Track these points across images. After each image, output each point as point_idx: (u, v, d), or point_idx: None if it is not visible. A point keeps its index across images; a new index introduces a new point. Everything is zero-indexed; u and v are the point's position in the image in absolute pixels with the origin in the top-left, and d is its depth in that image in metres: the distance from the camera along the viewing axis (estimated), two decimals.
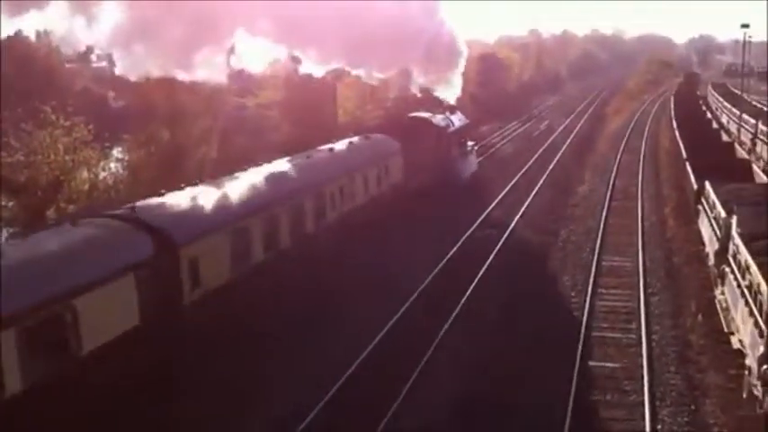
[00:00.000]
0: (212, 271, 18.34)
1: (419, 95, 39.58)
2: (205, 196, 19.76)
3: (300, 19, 24.27)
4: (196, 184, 21.21)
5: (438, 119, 38.22)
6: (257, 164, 24.81)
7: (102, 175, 32.82)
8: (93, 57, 65.29)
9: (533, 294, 23.80)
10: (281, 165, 25.27)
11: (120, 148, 38.52)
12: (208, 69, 22.14)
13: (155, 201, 19.16)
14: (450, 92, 39.34)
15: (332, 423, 15.94)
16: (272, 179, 22.97)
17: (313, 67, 29.32)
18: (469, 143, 42.56)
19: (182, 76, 22.31)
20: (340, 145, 30.61)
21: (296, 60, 30.43)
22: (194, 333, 17.26)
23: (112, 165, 36.37)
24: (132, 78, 22.40)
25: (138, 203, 18.53)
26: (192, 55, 21.24)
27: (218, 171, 26.13)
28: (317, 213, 24.87)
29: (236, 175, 22.97)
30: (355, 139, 32.59)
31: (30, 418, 12.78)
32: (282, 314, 20.26)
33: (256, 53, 24.33)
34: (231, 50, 23.43)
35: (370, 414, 15.98)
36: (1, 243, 21.33)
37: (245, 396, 16.86)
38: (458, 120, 40.79)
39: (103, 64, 61.56)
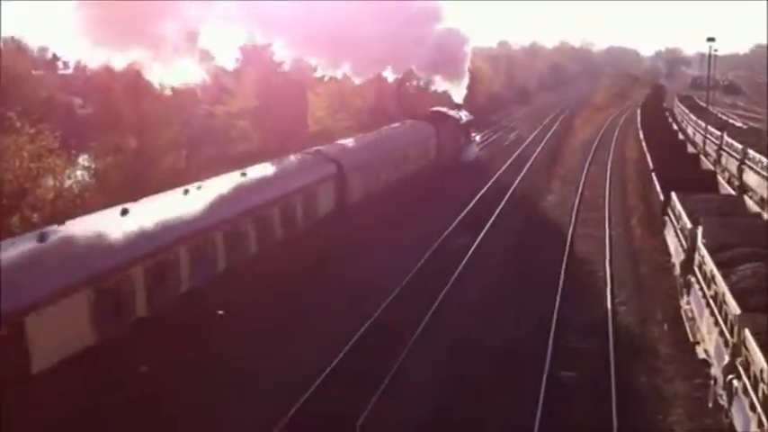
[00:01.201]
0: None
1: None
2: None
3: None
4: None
5: (453, 113, 49.45)
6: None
7: (68, 183, 32.42)
8: (60, 64, 64.75)
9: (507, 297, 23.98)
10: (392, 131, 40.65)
11: (86, 156, 38.08)
12: (173, 52, 21.92)
13: None
14: (458, 92, 50.15)
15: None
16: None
17: (284, 54, 30.36)
18: (472, 134, 53.88)
19: (141, 57, 21.96)
20: (405, 124, 44.18)
21: (267, 49, 31.03)
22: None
23: (78, 173, 35.94)
24: (93, 65, 22.09)
25: None
26: (150, 27, 21.03)
27: (186, 180, 25.84)
28: (401, 164, 37.58)
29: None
30: (410, 122, 45.22)
31: None
32: None
33: (224, 39, 24.38)
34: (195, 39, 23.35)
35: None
36: None
37: None
38: (465, 115, 51.52)
39: (70, 71, 60.96)
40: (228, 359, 18.63)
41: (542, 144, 65.43)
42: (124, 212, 18.60)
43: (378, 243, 29.89)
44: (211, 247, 20.26)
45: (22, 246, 15.74)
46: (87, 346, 15.65)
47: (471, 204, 38.36)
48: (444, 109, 49.13)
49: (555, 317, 22.40)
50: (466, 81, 50.74)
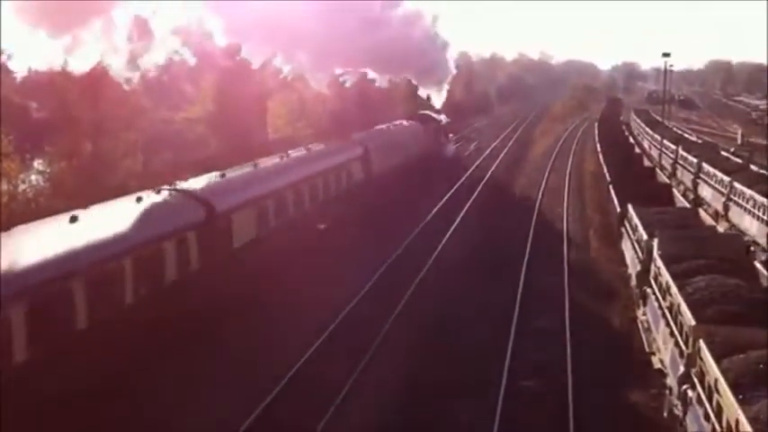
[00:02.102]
0: None
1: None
2: None
3: None
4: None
5: (435, 116, 57.68)
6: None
7: (22, 187, 31.85)
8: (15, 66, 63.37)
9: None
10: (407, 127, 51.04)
11: (41, 160, 37.43)
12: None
13: None
14: (438, 98, 58.02)
15: None
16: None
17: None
18: (450, 135, 62.39)
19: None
20: (403, 123, 52.97)
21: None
22: None
23: (33, 177, 35.32)
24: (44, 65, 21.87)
25: None
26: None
27: (143, 185, 25.52)
28: (403, 152, 46.06)
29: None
30: (405, 121, 53.90)
31: None
32: None
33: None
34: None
35: None
36: None
37: None
38: (444, 118, 59.74)
39: (25, 73, 59.78)
40: None
41: (502, 155, 65.93)
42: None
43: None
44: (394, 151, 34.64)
45: None
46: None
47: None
48: (428, 112, 58.07)
49: (514, 324, 22.53)
50: (446, 88, 58.88)
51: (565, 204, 43.07)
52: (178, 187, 22.62)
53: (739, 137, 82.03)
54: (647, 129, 73.12)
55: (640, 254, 22.58)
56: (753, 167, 40.44)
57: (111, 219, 18.64)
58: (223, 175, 24.99)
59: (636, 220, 24.98)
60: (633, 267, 23.77)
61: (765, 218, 28.13)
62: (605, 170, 44.97)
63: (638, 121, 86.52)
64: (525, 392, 18.50)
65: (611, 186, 37.46)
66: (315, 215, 29.60)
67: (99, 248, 17.03)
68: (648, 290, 19.92)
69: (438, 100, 58.89)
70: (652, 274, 19.88)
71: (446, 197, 43.80)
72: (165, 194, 21.70)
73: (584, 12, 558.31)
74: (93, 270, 16.41)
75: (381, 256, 29.32)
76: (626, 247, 26.71)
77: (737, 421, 10.96)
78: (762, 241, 28.24)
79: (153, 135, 41.21)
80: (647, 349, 19.37)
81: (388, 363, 19.97)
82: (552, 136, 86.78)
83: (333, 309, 23.20)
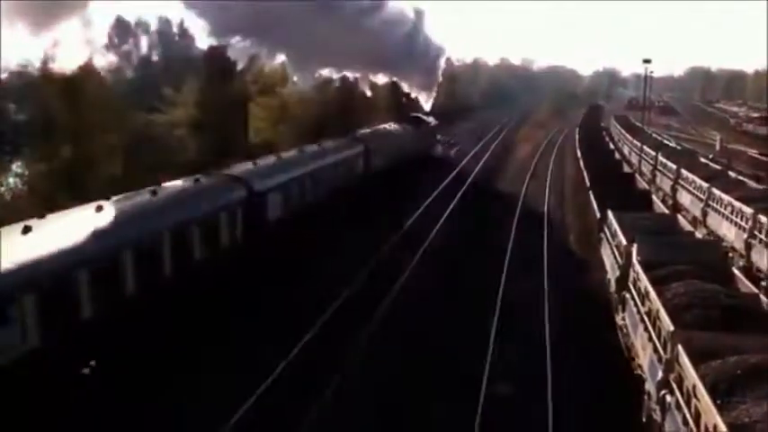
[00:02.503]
0: None
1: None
2: None
3: None
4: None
5: (425, 118, 62.27)
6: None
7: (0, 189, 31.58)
8: None
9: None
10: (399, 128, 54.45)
11: (19, 163, 37.13)
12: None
13: None
14: (428, 102, 63.13)
15: None
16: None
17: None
18: (438, 137, 68.83)
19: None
20: (397, 124, 56.07)
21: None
22: None
23: (11, 179, 35.05)
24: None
25: None
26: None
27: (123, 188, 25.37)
28: (397, 150, 49.91)
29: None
30: (399, 123, 56.64)
31: None
32: None
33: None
34: None
35: None
36: None
37: None
38: (433, 120, 65.14)
39: (4, 76, 59.31)
40: None
41: (484, 159, 66.15)
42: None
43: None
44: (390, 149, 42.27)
45: None
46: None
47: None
48: (419, 115, 62.27)
49: (494, 327, 22.54)
50: (435, 92, 64.20)
51: (545, 210, 43.23)
52: (226, 172, 27.25)
53: (718, 143, 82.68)
54: (628, 135, 73.53)
55: (619, 259, 22.69)
56: (731, 174, 40.78)
57: (185, 193, 23.53)
58: (255, 164, 29.48)
59: (615, 226, 25.10)
60: (612, 272, 23.87)
61: (743, 224, 28.34)
62: (585, 176, 45.17)
63: (619, 127, 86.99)
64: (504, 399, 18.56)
65: (590, 192, 37.64)
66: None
67: (180, 214, 21.87)
68: (627, 295, 20.00)
69: (427, 104, 63.66)
70: (631, 279, 19.98)
71: (436, 192, 48.14)
72: (217, 177, 26.22)
73: (565, 18, 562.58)
74: (176, 230, 21.05)
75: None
76: (605, 252, 26.83)
77: (715, 426, 11.03)
78: (739, 247, 28.46)
79: (133, 137, 41.00)
80: (626, 354, 19.45)
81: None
82: (533, 141, 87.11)
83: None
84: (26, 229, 16.27)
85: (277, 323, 23.22)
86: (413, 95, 63.66)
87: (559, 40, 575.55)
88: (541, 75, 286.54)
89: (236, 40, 36.62)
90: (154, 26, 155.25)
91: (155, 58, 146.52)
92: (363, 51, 43.75)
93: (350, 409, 17.84)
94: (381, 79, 56.18)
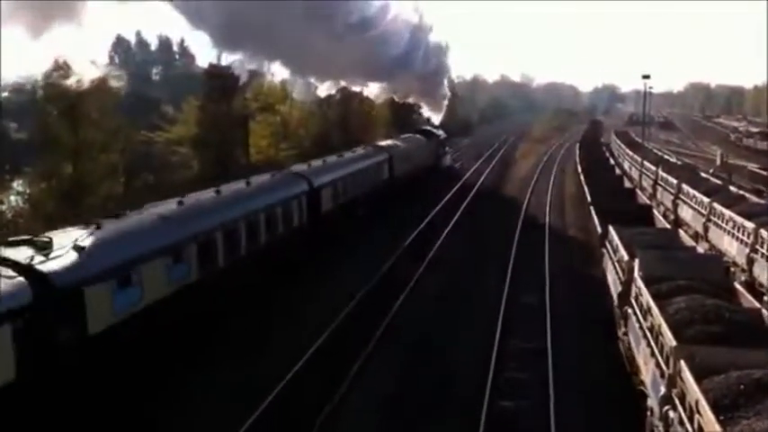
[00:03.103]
0: None
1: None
2: None
3: None
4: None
5: (435, 131, 67.38)
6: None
7: (1, 208, 31.62)
8: None
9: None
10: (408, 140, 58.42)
11: (20, 182, 37.24)
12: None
13: None
14: (436, 115, 71.98)
15: None
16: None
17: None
18: (447, 148, 71.91)
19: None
20: (411, 136, 61.31)
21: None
22: None
23: (12, 198, 35.12)
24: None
25: None
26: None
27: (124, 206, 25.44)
28: (414, 159, 55.83)
29: None
30: (413, 135, 62.39)
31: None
32: None
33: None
34: None
35: None
36: None
37: None
38: (442, 133, 69.29)
39: (5, 94, 59.58)
40: None
41: (484, 175, 66.29)
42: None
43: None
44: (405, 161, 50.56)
45: None
46: None
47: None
48: (430, 128, 68.17)
49: (496, 342, 22.51)
50: (444, 107, 73.24)
51: (546, 222, 43.24)
52: (292, 170, 34.78)
53: (718, 158, 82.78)
54: (628, 150, 73.62)
55: (621, 274, 22.64)
56: (732, 189, 40.78)
57: (269, 184, 30.78)
58: (309, 165, 36.27)
59: (617, 241, 25.06)
60: (614, 288, 23.81)
61: (745, 239, 28.31)
62: (586, 191, 45.20)
63: (619, 142, 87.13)
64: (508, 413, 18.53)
65: (591, 207, 37.64)
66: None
67: (272, 197, 29.14)
68: (629, 310, 19.95)
69: (436, 118, 72.59)
70: (633, 294, 19.92)
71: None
72: (286, 173, 33.61)
73: (565, 34, 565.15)
74: (268, 210, 27.95)
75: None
76: (607, 267, 26.78)
77: None
78: (741, 262, 28.41)
79: (134, 156, 41.11)
80: (629, 369, 19.37)
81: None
82: (533, 158, 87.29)
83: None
84: (180, 203, 23.62)
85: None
86: (423, 111, 73.37)
87: (559, 56, 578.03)
88: (541, 91, 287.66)
89: (236, 54, 38.03)
90: (154, 45, 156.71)
91: (155, 77, 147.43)
92: (360, 62, 45.92)
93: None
94: (378, 91, 61.25)
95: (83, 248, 17.20)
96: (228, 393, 19.21)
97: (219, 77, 49.34)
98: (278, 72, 46.66)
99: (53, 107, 36.85)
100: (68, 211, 31.56)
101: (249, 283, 25.53)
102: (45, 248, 16.64)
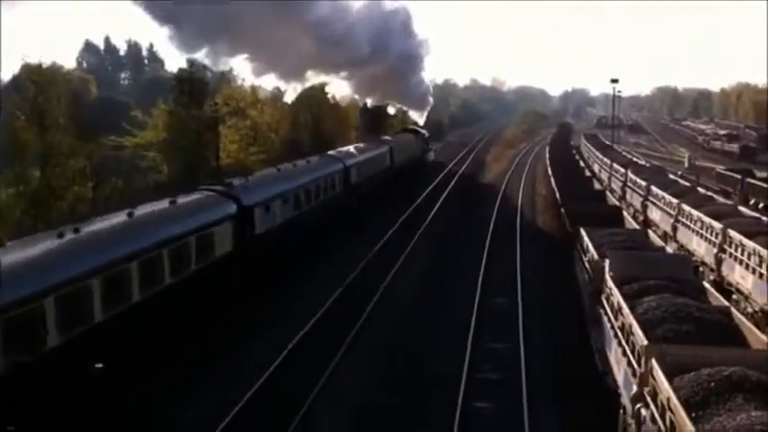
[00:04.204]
0: None
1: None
2: None
3: None
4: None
5: (420, 130, 77.39)
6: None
7: None
8: None
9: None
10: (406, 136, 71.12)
11: None
12: None
13: None
14: (421, 118, 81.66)
15: None
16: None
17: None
18: (430, 146, 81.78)
19: None
20: (402, 134, 72.01)
21: None
22: None
23: None
24: None
25: None
26: None
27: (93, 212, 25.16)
28: (407, 152, 65.72)
29: None
30: (403, 133, 72.85)
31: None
32: None
33: None
34: None
35: None
36: None
37: None
38: (425, 132, 79.23)
39: None
40: None
41: (456, 178, 66.50)
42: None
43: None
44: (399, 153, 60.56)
45: None
46: None
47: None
48: (416, 127, 77.80)
49: (468, 348, 22.53)
50: (428, 109, 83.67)
51: (518, 224, 43.44)
52: (328, 153, 45.90)
53: (686, 160, 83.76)
54: (598, 153, 74.23)
55: (592, 275, 22.77)
56: (700, 190, 41.24)
57: (310, 165, 39.35)
58: (338, 151, 48.26)
59: (587, 242, 25.22)
60: (585, 288, 23.95)
61: (713, 239, 28.63)
62: (557, 193, 45.48)
63: (589, 145, 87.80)
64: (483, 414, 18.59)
65: (562, 209, 37.87)
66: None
67: (308, 176, 36.81)
68: (601, 310, 20.06)
69: (420, 119, 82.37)
70: (604, 294, 20.04)
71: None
72: (325, 158, 43.54)
73: (534, 39, 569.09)
74: (304, 187, 35.08)
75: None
76: (578, 268, 26.93)
77: None
78: (709, 261, 28.73)
79: (102, 161, 40.67)
80: (601, 369, 19.47)
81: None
82: (504, 161, 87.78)
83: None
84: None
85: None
86: (410, 113, 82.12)
87: (529, 61, 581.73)
88: (511, 95, 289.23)
89: (202, 49, 38.47)
90: (123, 50, 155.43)
91: (124, 81, 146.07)
92: (329, 51, 48.06)
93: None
94: (349, 90, 64.13)
95: (250, 185, 29.82)
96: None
97: (189, 82, 48.96)
98: (242, 71, 48.21)
99: (20, 112, 36.46)
100: (37, 216, 31.17)
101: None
102: (236, 189, 28.45)
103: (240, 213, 26.69)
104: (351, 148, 50.58)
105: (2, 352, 14.63)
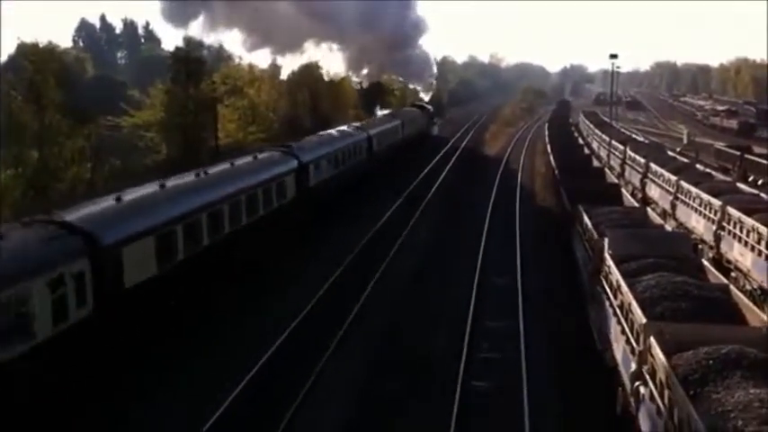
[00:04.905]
0: None
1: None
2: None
3: None
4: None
5: (425, 105, 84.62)
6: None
7: None
8: None
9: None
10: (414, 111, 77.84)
11: None
12: None
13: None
14: (426, 95, 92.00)
15: None
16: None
17: None
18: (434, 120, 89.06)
19: None
20: (411, 109, 78.36)
21: None
22: None
23: None
24: None
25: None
26: None
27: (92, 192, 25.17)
28: (415, 125, 71.66)
29: None
30: (411, 108, 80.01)
31: None
32: None
33: None
34: None
35: None
36: None
37: None
38: (431, 108, 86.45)
39: None
40: None
41: (454, 158, 66.25)
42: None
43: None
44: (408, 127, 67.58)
45: None
46: None
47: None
48: (422, 103, 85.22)
49: (469, 322, 22.66)
50: (434, 85, 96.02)
51: (517, 201, 43.44)
52: (355, 125, 53.48)
53: (685, 137, 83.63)
54: (596, 130, 74.03)
55: (591, 253, 22.83)
56: (699, 167, 41.23)
57: (344, 133, 46.97)
58: (361, 123, 56.53)
59: (586, 220, 25.26)
60: (584, 266, 24.01)
61: (712, 216, 28.67)
62: (556, 171, 45.47)
63: (587, 122, 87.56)
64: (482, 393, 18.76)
65: (561, 187, 37.88)
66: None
67: (341, 143, 43.25)
68: (599, 289, 20.13)
69: (426, 97, 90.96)
70: (603, 273, 20.10)
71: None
72: (353, 128, 50.03)
73: (532, 15, 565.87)
74: (329, 155, 39.53)
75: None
76: (577, 246, 26.98)
77: (689, 416, 11.12)
78: (708, 239, 28.78)
79: (100, 141, 40.59)
80: (599, 347, 19.56)
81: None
82: (503, 139, 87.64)
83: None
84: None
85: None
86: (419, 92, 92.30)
87: (527, 37, 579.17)
88: (510, 72, 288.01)
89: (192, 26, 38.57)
90: (119, 29, 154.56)
91: (120, 60, 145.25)
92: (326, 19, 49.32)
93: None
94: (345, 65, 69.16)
95: (304, 147, 36.83)
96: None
97: (186, 61, 48.79)
98: (237, 50, 48.27)
99: (17, 92, 36.36)
100: (36, 197, 31.17)
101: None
102: (295, 149, 34.85)
103: (300, 168, 33.48)
104: (372, 121, 61.42)
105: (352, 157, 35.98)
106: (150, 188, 22.69)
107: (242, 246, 25.93)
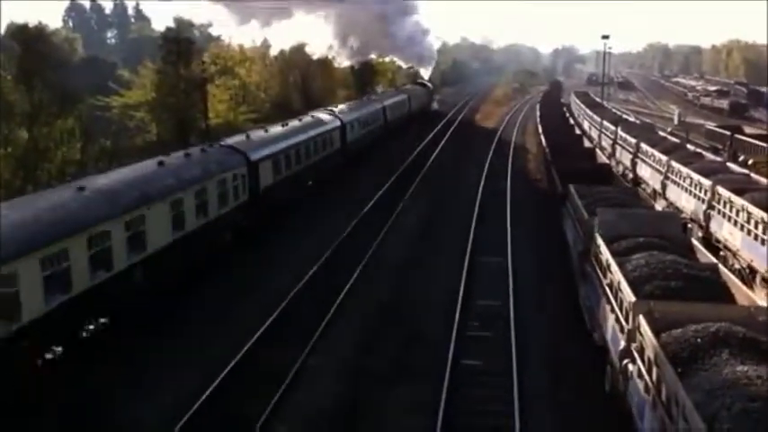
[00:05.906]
0: None
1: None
2: None
3: None
4: None
5: (426, 83, 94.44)
6: None
7: None
8: None
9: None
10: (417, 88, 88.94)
11: None
12: None
13: None
14: (426, 72, 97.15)
15: None
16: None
17: None
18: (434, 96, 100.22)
19: None
20: (414, 87, 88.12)
21: None
22: None
23: None
24: None
25: None
26: None
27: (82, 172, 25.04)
28: (419, 101, 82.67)
29: None
30: (414, 85, 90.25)
31: None
32: None
33: None
34: None
35: None
36: None
37: None
38: (431, 85, 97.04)
39: None
40: None
41: (445, 138, 66.20)
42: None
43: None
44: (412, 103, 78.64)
45: None
46: None
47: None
48: (424, 81, 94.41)
49: (459, 305, 22.77)
50: (433, 63, 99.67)
51: (508, 183, 43.45)
52: (370, 96, 67.41)
53: (676, 117, 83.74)
54: (588, 110, 73.95)
55: (581, 233, 22.91)
56: (689, 147, 41.30)
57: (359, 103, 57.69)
58: (371, 95, 68.45)
59: (577, 200, 25.32)
60: (575, 246, 24.09)
61: (702, 196, 28.78)
62: (547, 151, 45.45)
63: (579, 102, 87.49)
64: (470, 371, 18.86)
65: (552, 167, 37.90)
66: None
67: (359, 112, 52.09)
68: (589, 268, 20.22)
69: (426, 74, 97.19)
70: (593, 252, 20.19)
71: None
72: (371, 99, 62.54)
73: None
74: (359, 119, 50.38)
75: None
76: (567, 225, 27.07)
77: (676, 394, 11.22)
78: (698, 218, 28.90)
79: (90, 121, 40.40)
80: (589, 326, 19.68)
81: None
82: (495, 119, 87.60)
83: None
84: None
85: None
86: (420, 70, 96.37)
87: (518, 18, 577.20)
88: (502, 53, 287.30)
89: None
90: (109, 9, 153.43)
91: (110, 40, 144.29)
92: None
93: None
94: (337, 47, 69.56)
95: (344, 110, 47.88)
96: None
97: (176, 41, 48.50)
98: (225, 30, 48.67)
99: (7, 73, 36.12)
100: (26, 177, 31.04)
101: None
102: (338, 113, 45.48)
103: (342, 126, 45.06)
104: (385, 94, 72.01)
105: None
106: (273, 129, 35.76)
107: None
